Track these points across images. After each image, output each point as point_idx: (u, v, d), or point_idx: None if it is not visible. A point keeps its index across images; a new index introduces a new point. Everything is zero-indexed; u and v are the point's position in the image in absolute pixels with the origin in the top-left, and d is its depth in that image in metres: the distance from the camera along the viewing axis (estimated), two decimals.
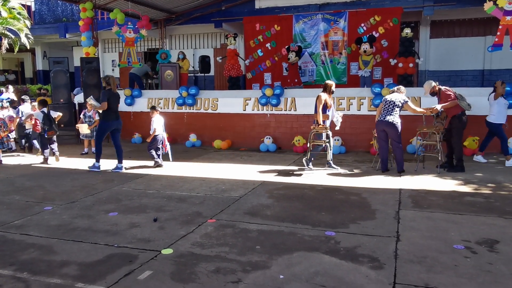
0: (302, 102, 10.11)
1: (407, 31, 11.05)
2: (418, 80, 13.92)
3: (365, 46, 11.36)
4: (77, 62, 18.71)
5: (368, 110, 9.69)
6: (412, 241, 4.22)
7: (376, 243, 4.16)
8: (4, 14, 15.68)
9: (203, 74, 14.80)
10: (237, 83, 12.88)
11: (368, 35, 11.80)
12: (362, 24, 12.41)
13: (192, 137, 10.94)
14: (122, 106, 11.79)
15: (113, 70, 18.18)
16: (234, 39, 12.87)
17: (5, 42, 16.78)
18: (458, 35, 13.93)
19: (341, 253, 3.93)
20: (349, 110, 9.78)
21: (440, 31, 14.10)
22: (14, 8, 16.10)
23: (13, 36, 16.55)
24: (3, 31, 16.10)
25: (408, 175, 7.19)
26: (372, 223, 4.76)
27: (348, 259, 3.80)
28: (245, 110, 10.70)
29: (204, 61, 14.70)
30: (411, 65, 10.96)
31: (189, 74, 14.48)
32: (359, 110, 9.76)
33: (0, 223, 4.95)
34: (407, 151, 9.30)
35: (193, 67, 15.51)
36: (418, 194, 5.97)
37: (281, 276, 3.48)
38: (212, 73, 16.39)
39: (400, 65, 11.01)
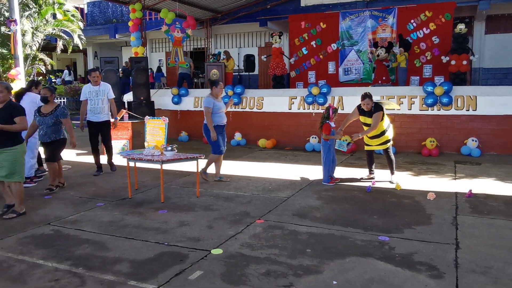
0: (350, 101, 9.84)
1: (461, 26, 10.56)
2: (472, 78, 13.32)
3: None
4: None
5: (420, 110, 9.31)
6: (473, 249, 3.97)
7: (434, 250, 3.95)
8: (60, 16, 16.40)
9: (247, 73, 14.85)
10: (281, 81, 12.78)
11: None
12: (412, 21, 12.00)
13: (237, 136, 10.95)
14: (169, 105, 12.03)
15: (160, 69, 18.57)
16: (279, 38, 12.77)
17: (59, 43, 17.56)
18: None
19: (397, 260, 3.76)
20: (399, 109, 9.42)
21: (496, 26, 13.40)
22: (68, 11, 16.79)
23: (67, 37, 17.29)
24: (58, 33, 16.84)
25: (466, 178, 6.83)
26: (428, 229, 4.54)
27: (405, 267, 3.62)
28: (290, 109, 10.57)
29: (248, 60, 14.74)
30: (464, 62, 10.48)
31: (233, 73, 14.54)
32: (410, 109, 9.39)
33: (57, 218, 5.12)
34: (461, 152, 8.88)
35: (237, 66, 15.57)
36: (477, 199, 5.64)
37: (335, 282, 3.36)
38: (256, 71, 16.42)
39: (453, 62, 10.55)
